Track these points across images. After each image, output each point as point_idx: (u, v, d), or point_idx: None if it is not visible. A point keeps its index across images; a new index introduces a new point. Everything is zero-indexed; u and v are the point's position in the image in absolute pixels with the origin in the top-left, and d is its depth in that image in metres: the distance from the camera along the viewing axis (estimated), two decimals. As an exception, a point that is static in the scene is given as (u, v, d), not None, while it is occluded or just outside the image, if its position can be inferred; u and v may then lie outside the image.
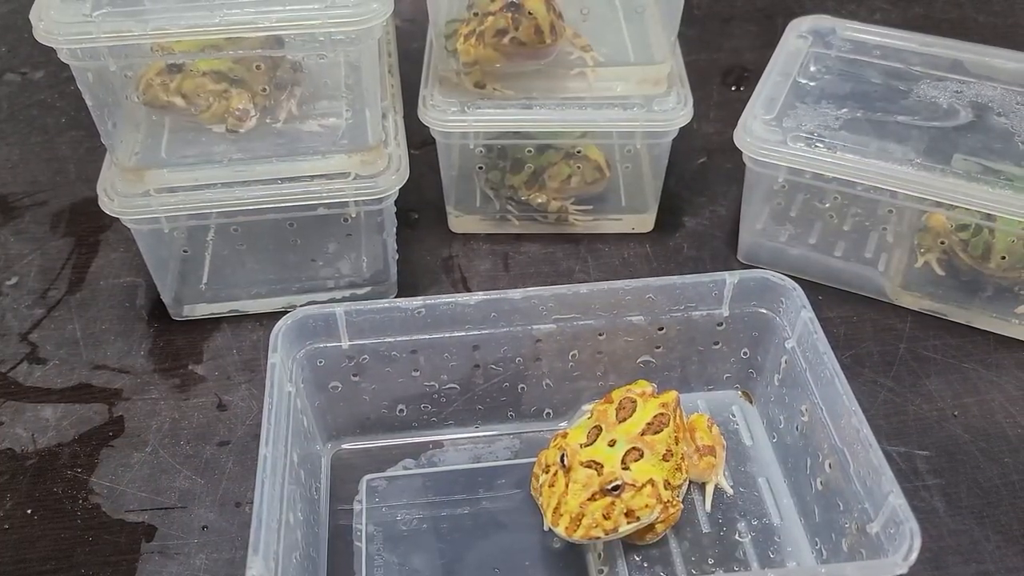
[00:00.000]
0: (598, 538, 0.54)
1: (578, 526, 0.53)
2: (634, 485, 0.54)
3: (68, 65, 0.61)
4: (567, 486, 0.54)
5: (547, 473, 0.57)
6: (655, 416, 0.58)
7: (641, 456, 0.56)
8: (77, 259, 0.80)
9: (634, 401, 0.59)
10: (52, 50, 0.59)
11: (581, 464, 0.55)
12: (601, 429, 0.57)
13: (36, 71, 1.00)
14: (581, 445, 0.56)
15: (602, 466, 0.54)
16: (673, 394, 0.61)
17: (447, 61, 0.74)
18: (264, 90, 0.67)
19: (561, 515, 0.53)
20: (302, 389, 0.60)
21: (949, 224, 0.69)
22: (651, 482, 0.55)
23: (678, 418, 0.60)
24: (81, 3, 0.59)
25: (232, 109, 0.66)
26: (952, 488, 0.62)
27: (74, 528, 0.61)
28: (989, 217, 0.66)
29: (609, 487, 0.54)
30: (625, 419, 0.58)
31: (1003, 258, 0.68)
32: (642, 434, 0.57)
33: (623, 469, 0.55)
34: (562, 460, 0.55)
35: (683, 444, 0.60)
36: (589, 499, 0.53)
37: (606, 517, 0.53)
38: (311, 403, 0.62)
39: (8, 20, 1.07)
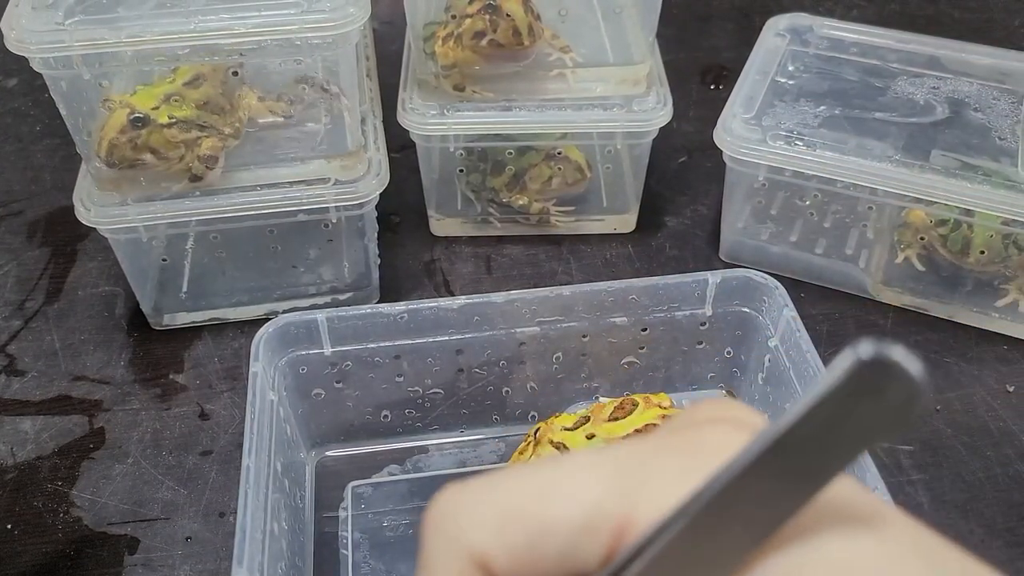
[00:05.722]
0: None
1: None
2: None
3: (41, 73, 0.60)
4: (529, 458, 0.55)
5: (525, 442, 0.57)
6: (647, 425, 0.56)
7: None
8: (54, 269, 0.79)
9: (636, 404, 0.58)
10: (25, 58, 0.58)
11: (550, 442, 0.55)
12: (588, 420, 0.57)
13: (9, 79, 0.99)
14: (563, 428, 0.56)
15: (567, 451, 0.54)
16: None
17: (425, 64, 0.74)
18: (234, 132, 0.65)
19: None
20: (285, 397, 0.60)
21: (928, 220, 0.70)
22: None
23: None
24: (53, 11, 0.58)
25: (200, 154, 0.63)
26: (936, 483, 0.63)
27: (56, 542, 0.60)
28: (968, 212, 0.67)
29: None
30: (617, 419, 0.57)
31: (982, 253, 0.69)
32: (624, 438, 0.56)
33: None
34: (535, 433, 0.55)
35: None
36: None
37: None
38: (294, 411, 0.61)
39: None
